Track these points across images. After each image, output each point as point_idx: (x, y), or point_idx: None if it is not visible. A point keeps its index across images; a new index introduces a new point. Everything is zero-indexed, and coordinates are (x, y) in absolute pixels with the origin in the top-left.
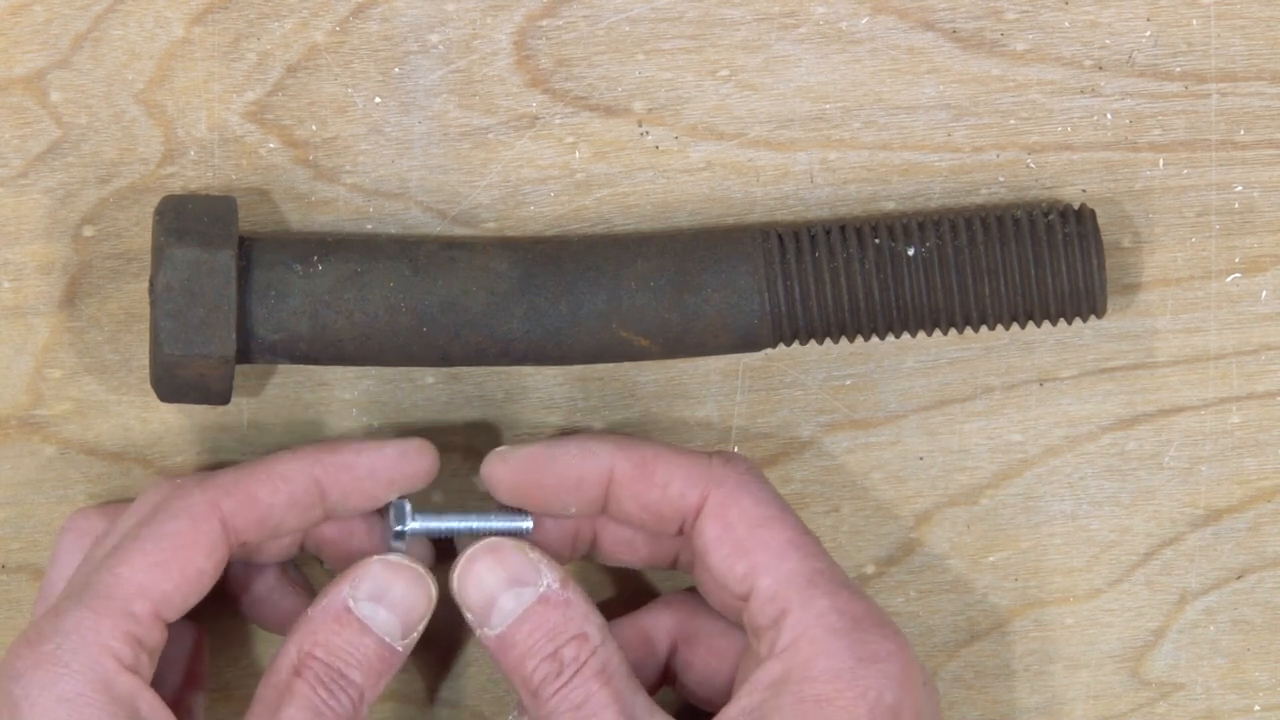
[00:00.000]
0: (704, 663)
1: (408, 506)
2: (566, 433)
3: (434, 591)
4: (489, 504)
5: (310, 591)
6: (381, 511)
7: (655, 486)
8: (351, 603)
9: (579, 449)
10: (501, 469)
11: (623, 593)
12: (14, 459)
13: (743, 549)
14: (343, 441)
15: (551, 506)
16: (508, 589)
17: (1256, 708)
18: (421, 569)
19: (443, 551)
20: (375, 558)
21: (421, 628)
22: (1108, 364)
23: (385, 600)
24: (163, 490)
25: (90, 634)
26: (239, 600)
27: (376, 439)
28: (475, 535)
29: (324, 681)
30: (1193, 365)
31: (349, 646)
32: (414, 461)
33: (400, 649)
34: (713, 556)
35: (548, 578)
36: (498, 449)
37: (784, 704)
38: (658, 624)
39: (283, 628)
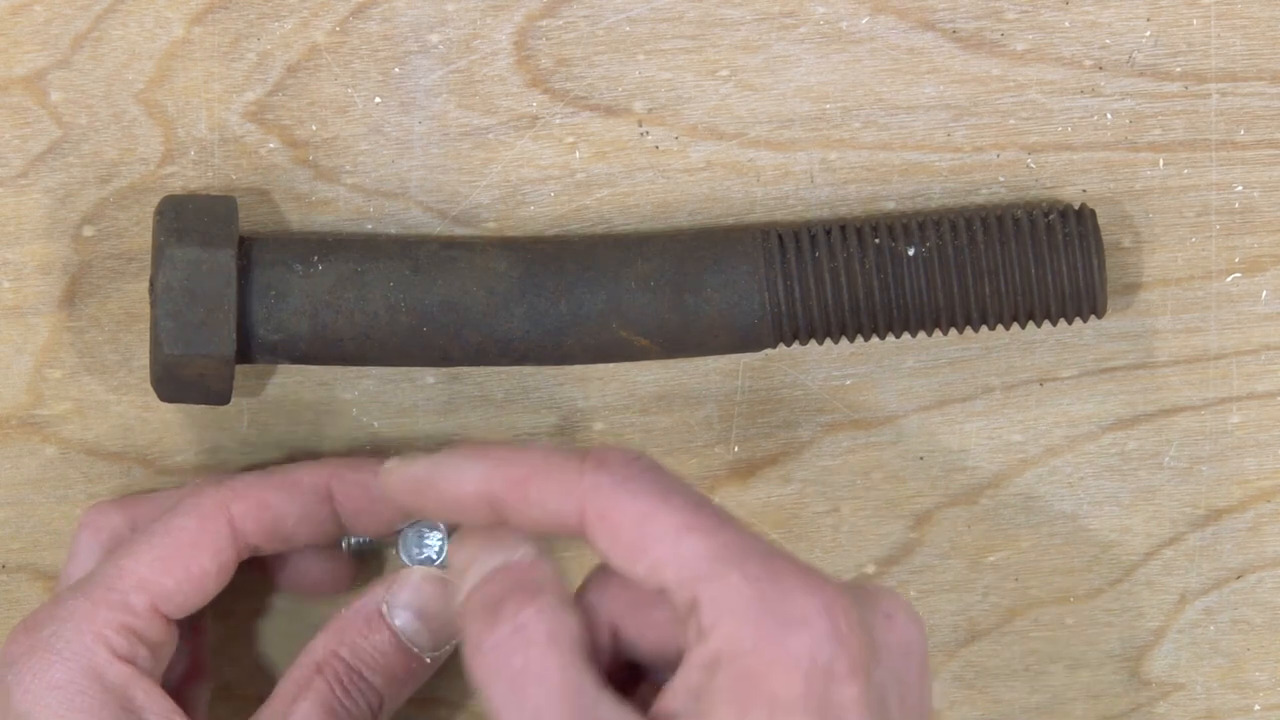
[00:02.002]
0: (641, 635)
1: (444, 536)
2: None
3: None
4: None
5: (342, 554)
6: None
7: (533, 506)
8: (385, 608)
9: (454, 472)
10: (390, 486)
11: None
12: (14, 459)
13: (637, 550)
14: (365, 460)
15: (450, 520)
16: (484, 553)
17: (1256, 708)
18: None
19: None
20: (417, 568)
21: (454, 643)
22: (1108, 364)
23: (421, 611)
24: (185, 489)
25: (84, 622)
26: (271, 570)
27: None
28: None
29: (343, 682)
30: (1193, 365)
31: (375, 651)
32: None
33: (429, 660)
34: (615, 565)
35: (523, 549)
36: (387, 462)
37: (720, 684)
38: (594, 603)
39: (316, 590)
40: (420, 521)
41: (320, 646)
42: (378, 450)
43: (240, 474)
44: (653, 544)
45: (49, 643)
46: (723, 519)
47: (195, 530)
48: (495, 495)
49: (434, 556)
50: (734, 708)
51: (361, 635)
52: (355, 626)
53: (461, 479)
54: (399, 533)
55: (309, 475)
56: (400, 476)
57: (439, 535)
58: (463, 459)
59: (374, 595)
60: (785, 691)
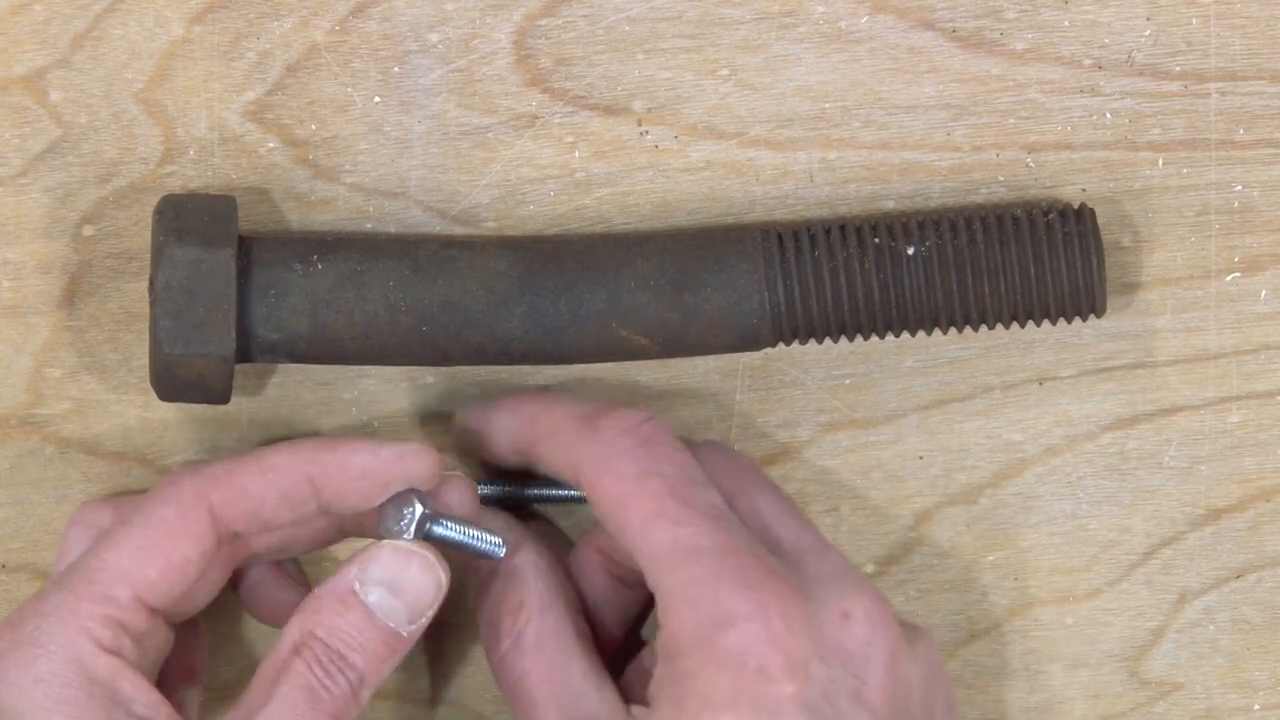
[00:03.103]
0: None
1: (424, 500)
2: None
3: (444, 579)
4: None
5: (305, 584)
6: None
7: (546, 465)
8: (358, 585)
9: (491, 427)
10: (453, 435)
11: None
12: (14, 459)
13: (617, 528)
14: (340, 439)
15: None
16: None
17: (1256, 707)
18: (433, 556)
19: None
20: (386, 542)
21: (430, 614)
22: (1108, 364)
23: (393, 586)
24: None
25: (68, 616)
26: (235, 591)
27: (375, 439)
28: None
29: (322, 662)
30: (1192, 365)
31: (351, 629)
32: (411, 464)
33: (405, 635)
34: (609, 532)
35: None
36: (456, 415)
37: (664, 679)
38: (589, 556)
39: (278, 620)
40: (397, 496)
41: (296, 628)
42: (376, 435)
43: (218, 461)
44: (626, 529)
45: (33, 637)
46: (690, 508)
47: (175, 519)
48: (521, 451)
49: (405, 529)
50: (673, 706)
51: (336, 614)
52: (329, 606)
53: (496, 434)
54: (379, 508)
55: (286, 459)
56: (459, 429)
57: (416, 509)
58: (501, 413)
59: (345, 573)
60: (714, 691)
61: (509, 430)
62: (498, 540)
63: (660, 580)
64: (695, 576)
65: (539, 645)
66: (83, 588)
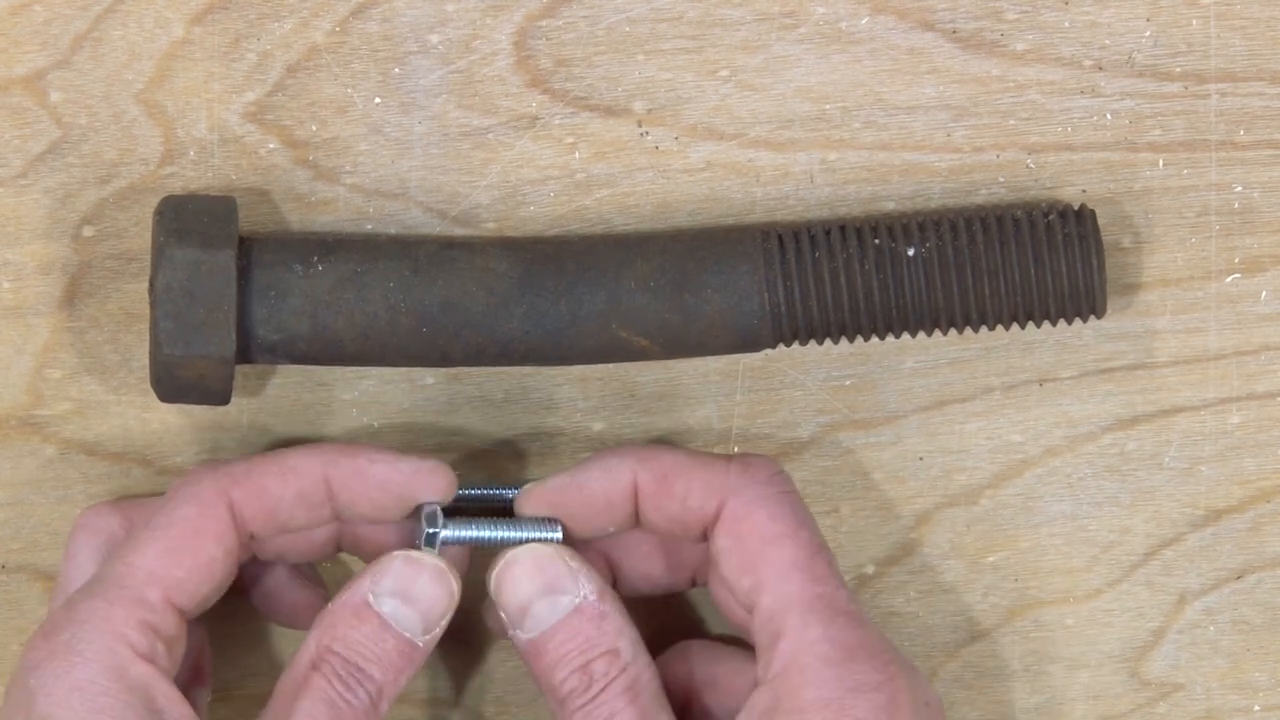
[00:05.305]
0: (721, 705)
1: (439, 513)
2: (594, 453)
3: (456, 588)
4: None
5: (321, 584)
6: (414, 513)
7: (675, 499)
8: (371, 598)
9: (601, 470)
10: (532, 504)
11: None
12: (14, 459)
13: (750, 564)
14: (361, 447)
15: (589, 530)
16: (544, 596)
17: (1256, 708)
18: (444, 565)
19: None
20: (398, 553)
21: (444, 624)
22: (1108, 364)
23: (406, 596)
24: (180, 481)
25: (104, 623)
26: (249, 594)
27: (394, 451)
28: (506, 544)
29: (341, 676)
30: (1193, 365)
31: (368, 642)
32: (427, 481)
33: (421, 644)
34: (724, 567)
35: (585, 588)
36: (526, 485)
37: None
38: (674, 671)
39: (293, 621)
40: (434, 502)
41: (313, 643)
42: (376, 436)
43: (235, 460)
44: (764, 565)
45: (70, 645)
46: (830, 569)
47: (198, 518)
48: (642, 489)
49: (438, 530)
50: None
51: (351, 627)
52: (344, 619)
53: (610, 477)
54: (415, 512)
55: (306, 460)
56: (543, 491)
57: (440, 518)
58: (608, 457)
59: (359, 586)
60: None
61: (627, 470)
62: (548, 521)
63: (788, 626)
64: (830, 636)
65: (633, 693)
66: (115, 593)
